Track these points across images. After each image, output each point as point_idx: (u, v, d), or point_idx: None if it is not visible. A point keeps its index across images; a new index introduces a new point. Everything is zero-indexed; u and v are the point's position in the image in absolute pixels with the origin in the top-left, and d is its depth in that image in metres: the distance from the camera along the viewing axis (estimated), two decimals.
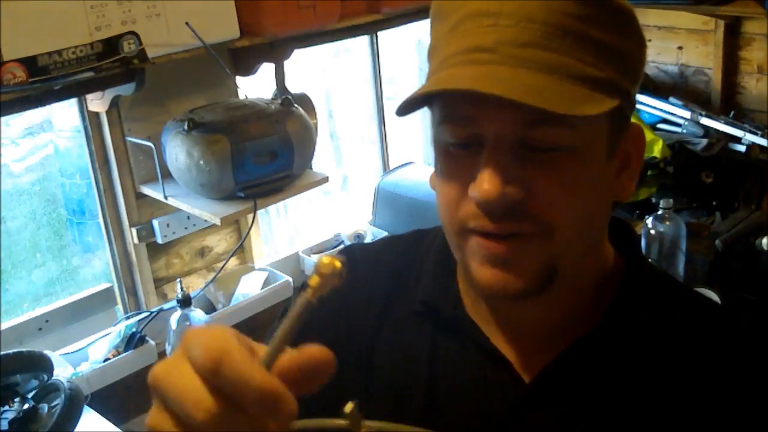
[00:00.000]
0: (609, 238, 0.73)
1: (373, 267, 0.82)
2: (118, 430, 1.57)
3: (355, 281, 0.80)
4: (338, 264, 0.46)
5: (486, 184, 0.60)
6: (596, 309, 0.70)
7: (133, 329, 1.73)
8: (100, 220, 1.80)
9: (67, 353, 1.69)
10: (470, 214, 0.63)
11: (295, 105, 1.66)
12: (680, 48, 2.61)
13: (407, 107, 0.63)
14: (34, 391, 1.47)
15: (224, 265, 1.89)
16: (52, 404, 1.45)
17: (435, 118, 0.65)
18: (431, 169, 0.74)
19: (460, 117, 0.62)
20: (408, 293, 0.78)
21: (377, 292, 0.80)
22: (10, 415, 1.41)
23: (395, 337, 0.76)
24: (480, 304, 0.73)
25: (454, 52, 0.62)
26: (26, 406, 1.43)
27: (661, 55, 2.66)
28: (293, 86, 1.88)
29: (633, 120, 0.69)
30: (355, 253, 0.87)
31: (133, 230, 1.76)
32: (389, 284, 0.80)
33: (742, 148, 2.31)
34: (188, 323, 1.65)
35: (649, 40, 2.69)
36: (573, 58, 0.60)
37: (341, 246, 2.17)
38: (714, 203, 2.28)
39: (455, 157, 0.64)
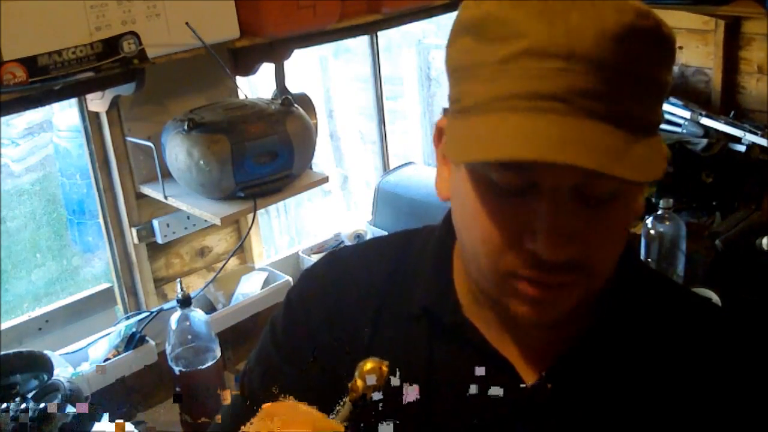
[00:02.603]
0: None
1: (363, 269, 0.82)
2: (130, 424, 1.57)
3: (346, 284, 0.81)
4: (384, 368, 0.47)
5: (553, 247, 0.58)
6: (594, 308, 0.70)
7: (133, 329, 1.73)
8: (100, 220, 1.80)
9: (67, 353, 1.69)
10: (523, 265, 0.61)
11: (295, 105, 1.66)
12: (680, 48, 2.60)
13: (457, 157, 0.60)
14: (34, 391, 1.46)
15: (224, 265, 1.89)
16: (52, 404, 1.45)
17: None
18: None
19: (515, 164, 0.57)
20: (403, 296, 0.77)
21: (370, 293, 0.79)
22: (10, 415, 1.41)
23: (392, 341, 0.76)
24: (481, 308, 0.73)
25: (516, 93, 0.56)
26: (26, 405, 1.42)
27: None
28: (293, 86, 1.88)
29: None
30: (342, 256, 0.87)
31: (133, 230, 1.76)
32: (382, 286, 0.79)
33: (742, 148, 2.31)
34: (188, 323, 1.65)
35: None
36: (642, 106, 0.57)
37: (341, 245, 2.17)
38: (714, 203, 2.28)
39: (503, 197, 0.61)
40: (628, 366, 0.69)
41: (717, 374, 0.69)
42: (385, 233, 2.19)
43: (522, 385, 0.70)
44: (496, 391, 0.70)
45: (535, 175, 0.58)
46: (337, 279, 0.82)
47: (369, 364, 0.47)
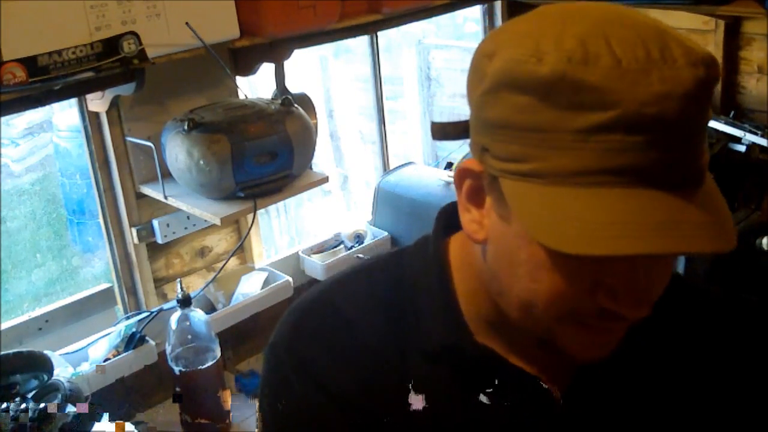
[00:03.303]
0: None
1: (366, 314, 0.74)
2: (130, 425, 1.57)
3: (356, 336, 0.73)
4: None
5: (634, 308, 0.57)
6: None
7: (133, 329, 1.73)
8: (100, 220, 1.80)
9: (67, 353, 1.69)
10: (592, 314, 0.59)
11: (295, 105, 1.66)
12: None
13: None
14: (34, 391, 1.46)
15: (224, 265, 1.89)
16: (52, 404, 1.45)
17: None
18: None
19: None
20: (415, 332, 0.72)
21: (383, 339, 0.73)
22: (10, 415, 1.41)
23: (419, 386, 0.71)
24: (494, 329, 0.70)
25: (605, 168, 0.53)
26: (26, 406, 1.42)
27: None
28: (293, 86, 1.88)
29: None
30: (337, 304, 0.76)
31: (133, 230, 1.76)
32: (392, 329, 0.73)
33: (742, 148, 2.31)
34: (188, 323, 1.65)
35: None
36: (707, 153, 0.58)
37: (341, 246, 2.17)
38: None
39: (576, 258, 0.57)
40: (655, 371, 0.68)
41: (744, 364, 0.68)
42: (385, 233, 2.20)
43: (550, 398, 0.69)
44: (528, 409, 0.69)
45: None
46: (345, 336, 0.73)
47: None
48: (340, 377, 0.71)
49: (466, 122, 0.64)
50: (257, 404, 0.78)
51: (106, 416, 1.43)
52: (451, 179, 2.13)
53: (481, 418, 0.70)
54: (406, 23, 1.98)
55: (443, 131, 0.67)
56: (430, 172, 2.27)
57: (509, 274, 0.62)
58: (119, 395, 1.74)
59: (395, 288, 0.74)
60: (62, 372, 1.57)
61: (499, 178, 0.59)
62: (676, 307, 0.71)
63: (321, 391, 0.71)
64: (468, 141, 0.64)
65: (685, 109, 0.52)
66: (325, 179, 1.76)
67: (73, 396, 1.44)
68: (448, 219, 0.74)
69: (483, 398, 0.70)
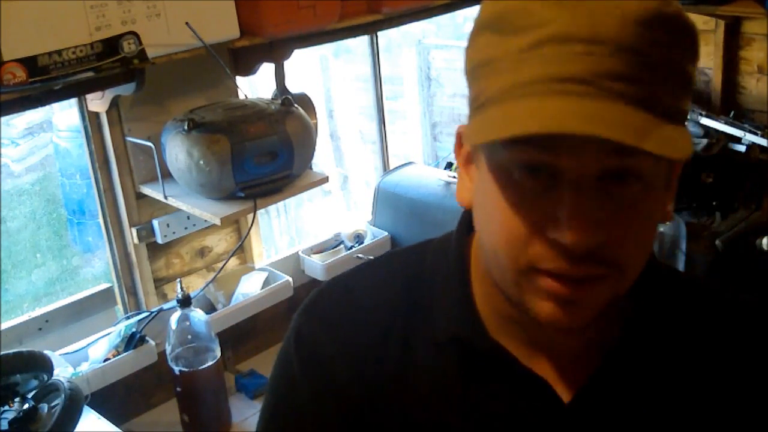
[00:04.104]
0: None
1: (380, 298, 0.76)
2: (118, 430, 1.57)
3: (361, 322, 0.75)
4: None
5: (576, 233, 0.56)
6: (617, 317, 0.69)
7: (133, 329, 1.73)
8: (100, 220, 1.80)
9: (67, 353, 1.69)
10: (544, 256, 0.59)
11: (295, 105, 1.66)
12: None
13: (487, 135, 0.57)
14: (34, 391, 1.46)
15: (224, 265, 1.89)
16: (52, 404, 1.45)
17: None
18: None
19: (538, 141, 0.56)
20: (425, 322, 0.73)
21: (393, 323, 0.74)
22: (10, 415, 1.41)
23: (422, 373, 0.72)
24: (508, 325, 0.70)
25: (538, 78, 0.55)
26: (26, 406, 1.43)
27: None
28: (293, 86, 1.88)
29: None
30: (349, 287, 0.79)
31: (133, 230, 1.76)
32: (404, 314, 0.74)
33: (742, 148, 2.31)
34: (188, 323, 1.65)
35: None
36: (664, 91, 0.56)
37: (341, 246, 2.17)
38: (714, 203, 2.28)
39: (523, 187, 0.59)
40: (665, 373, 0.68)
41: (754, 368, 0.68)
42: (385, 233, 2.20)
43: (558, 403, 0.68)
44: (533, 410, 0.68)
45: (558, 160, 0.57)
46: (353, 322, 0.75)
47: None
48: (339, 359, 0.73)
49: None
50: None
51: (95, 415, 1.43)
52: (451, 179, 2.13)
53: (480, 414, 0.70)
54: (406, 23, 1.98)
55: None
56: (430, 172, 2.27)
57: (484, 229, 0.64)
58: (119, 395, 1.74)
59: (414, 277, 0.76)
60: (62, 372, 1.57)
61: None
62: (690, 311, 0.71)
63: (316, 369, 0.73)
64: None
65: (624, 29, 0.54)
66: (325, 179, 1.76)
67: (73, 396, 1.44)
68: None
69: (485, 394, 0.69)
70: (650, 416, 0.67)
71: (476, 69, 0.61)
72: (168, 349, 1.65)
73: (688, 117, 2.41)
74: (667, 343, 0.68)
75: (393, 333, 0.73)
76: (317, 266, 2.06)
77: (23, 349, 1.45)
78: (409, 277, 0.76)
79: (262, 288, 1.92)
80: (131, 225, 1.76)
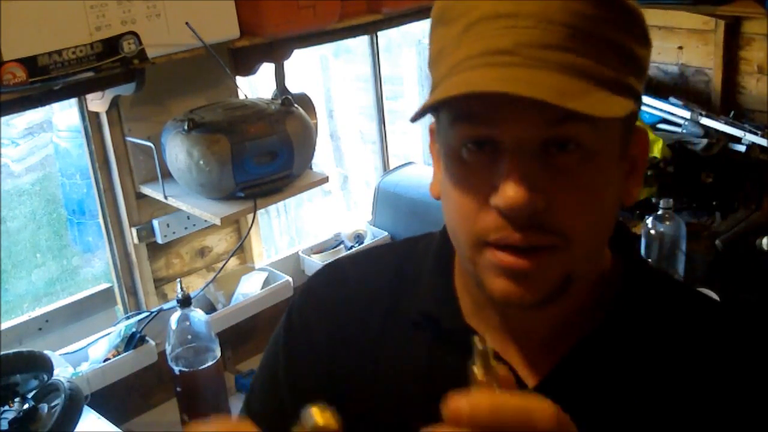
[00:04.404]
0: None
1: (364, 280, 0.80)
2: (118, 430, 1.57)
3: (347, 299, 0.80)
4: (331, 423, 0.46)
5: (511, 191, 0.57)
6: (596, 310, 0.70)
7: (133, 329, 1.73)
8: (100, 220, 1.80)
9: (67, 353, 1.69)
10: (490, 227, 0.60)
11: (295, 105, 1.66)
12: (680, 48, 2.60)
13: (423, 113, 0.61)
14: (34, 391, 1.47)
15: (224, 265, 1.89)
16: (52, 404, 1.45)
17: (446, 121, 0.63)
18: (431, 170, 0.74)
19: (478, 116, 0.59)
20: (406, 302, 0.76)
21: (373, 305, 0.78)
22: (10, 415, 1.41)
23: (396, 348, 0.75)
24: (483, 311, 0.72)
25: (469, 55, 0.59)
26: (26, 406, 1.43)
27: (661, 55, 2.66)
28: (293, 86, 1.88)
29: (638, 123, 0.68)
30: (342, 267, 0.85)
31: (133, 230, 1.76)
32: (384, 295, 0.78)
33: (742, 148, 2.31)
34: (188, 323, 1.65)
35: None
36: (592, 60, 0.58)
37: (341, 246, 2.17)
38: (714, 203, 2.28)
39: (470, 163, 0.62)
40: (632, 365, 0.67)
41: (724, 373, 0.67)
42: (385, 233, 2.20)
43: (523, 388, 0.69)
44: None
45: (495, 129, 0.59)
46: (338, 294, 0.81)
47: (318, 419, 0.45)
48: (319, 327, 0.79)
49: None
50: None
51: (95, 415, 1.43)
52: None
53: (444, 393, 0.71)
54: (406, 23, 1.98)
55: None
56: (430, 172, 2.27)
57: (446, 213, 0.66)
58: (119, 395, 1.74)
59: (405, 259, 0.80)
60: (62, 372, 1.57)
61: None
62: (671, 315, 0.70)
63: (297, 334, 0.81)
64: None
65: (548, 4, 0.57)
66: (325, 179, 1.76)
67: (73, 396, 1.44)
68: None
69: (450, 374, 0.70)
70: (613, 410, 0.67)
71: (432, 61, 0.65)
72: (168, 349, 1.64)
73: (688, 117, 2.41)
74: (642, 341, 0.68)
75: (376, 308, 0.77)
76: (317, 266, 2.06)
77: (23, 349, 1.45)
78: (401, 258, 0.81)
79: (262, 288, 1.92)
80: (131, 225, 1.76)
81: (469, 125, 0.60)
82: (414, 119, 0.62)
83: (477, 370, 0.47)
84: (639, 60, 0.62)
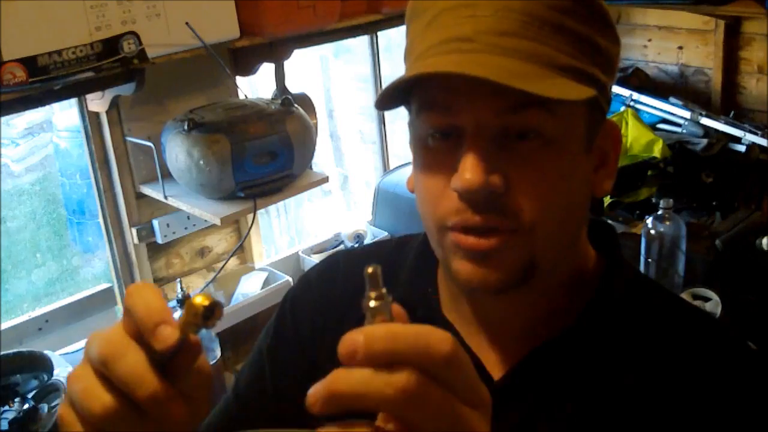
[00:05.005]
0: (591, 240, 0.73)
1: (355, 270, 0.79)
2: None
3: (336, 287, 0.83)
4: (206, 303, 0.47)
5: (468, 173, 0.59)
6: (572, 309, 0.69)
7: None
8: (100, 220, 1.80)
9: (67, 353, 1.69)
10: (451, 210, 0.62)
11: (295, 105, 1.66)
12: (680, 48, 2.61)
13: (386, 99, 0.63)
14: (34, 391, 1.47)
15: (224, 265, 1.89)
16: (52, 404, 1.45)
17: (413, 112, 0.65)
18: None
19: (440, 104, 0.61)
20: (392, 291, 0.77)
21: (360, 294, 0.78)
22: (10, 416, 1.41)
23: None
24: (458, 303, 0.73)
25: (431, 44, 0.62)
26: (26, 406, 1.43)
27: (661, 55, 2.66)
28: (293, 86, 1.88)
29: (613, 118, 0.68)
30: (337, 258, 0.88)
31: (133, 230, 1.76)
32: None
33: (742, 148, 2.31)
34: None
35: (649, 40, 2.69)
36: (551, 48, 0.59)
37: (341, 246, 2.17)
38: (714, 203, 2.28)
39: (434, 151, 0.63)
40: (599, 367, 0.67)
41: (693, 382, 0.66)
42: (385, 233, 2.20)
43: (488, 381, 0.69)
44: None
45: (456, 115, 0.60)
46: (328, 283, 0.85)
47: (196, 299, 0.46)
48: (305, 312, 0.84)
49: None
50: None
51: None
52: None
53: None
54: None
55: None
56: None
57: (417, 203, 0.67)
58: None
59: (395, 251, 0.84)
60: (62, 372, 1.57)
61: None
62: (649, 322, 0.69)
63: (285, 319, 0.85)
64: None
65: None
66: (325, 179, 1.76)
67: None
68: None
69: None
70: (573, 410, 0.66)
71: (405, 55, 0.69)
72: None
73: (688, 117, 2.40)
74: (610, 346, 0.67)
75: (357, 302, 0.77)
76: None
77: (23, 349, 1.45)
78: (393, 253, 0.83)
79: (262, 288, 1.92)
80: (131, 225, 1.76)
81: (433, 113, 0.62)
82: (377, 106, 0.64)
83: (369, 298, 0.47)
84: (604, 52, 0.63)
